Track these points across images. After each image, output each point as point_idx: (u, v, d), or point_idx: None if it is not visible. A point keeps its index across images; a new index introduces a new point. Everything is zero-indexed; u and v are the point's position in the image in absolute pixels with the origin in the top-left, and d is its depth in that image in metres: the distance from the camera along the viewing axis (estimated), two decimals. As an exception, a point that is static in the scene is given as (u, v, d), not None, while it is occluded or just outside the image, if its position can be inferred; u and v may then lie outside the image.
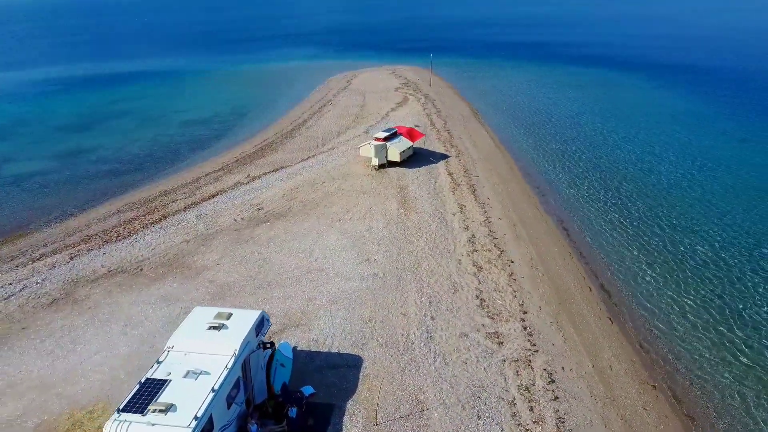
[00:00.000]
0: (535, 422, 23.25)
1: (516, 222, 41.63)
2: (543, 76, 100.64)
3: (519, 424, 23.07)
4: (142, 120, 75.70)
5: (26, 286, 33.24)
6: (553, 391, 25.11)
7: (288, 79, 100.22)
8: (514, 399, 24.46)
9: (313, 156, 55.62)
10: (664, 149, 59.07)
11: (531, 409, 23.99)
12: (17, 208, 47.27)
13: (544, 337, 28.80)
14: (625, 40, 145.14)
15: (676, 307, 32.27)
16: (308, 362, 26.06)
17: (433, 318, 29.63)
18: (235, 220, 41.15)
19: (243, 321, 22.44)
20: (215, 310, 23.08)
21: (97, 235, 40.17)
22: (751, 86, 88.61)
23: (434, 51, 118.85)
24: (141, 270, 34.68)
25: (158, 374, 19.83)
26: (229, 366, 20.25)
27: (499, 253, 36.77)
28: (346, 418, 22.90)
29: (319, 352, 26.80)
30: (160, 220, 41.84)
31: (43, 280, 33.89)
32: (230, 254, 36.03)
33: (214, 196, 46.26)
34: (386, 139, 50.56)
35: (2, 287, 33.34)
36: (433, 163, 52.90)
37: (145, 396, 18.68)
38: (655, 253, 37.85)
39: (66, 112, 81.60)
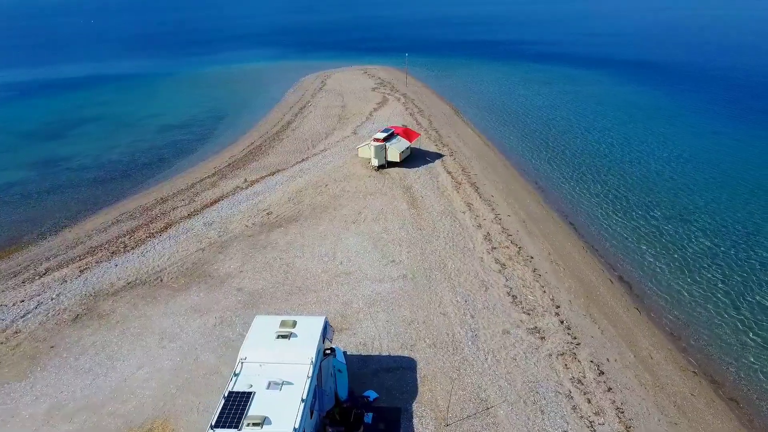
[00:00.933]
0: (596, 414, 23.77)
1: (524, 218, 42.35)
2: (509, 73, 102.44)
3: (581, 417, 23.54)
4: (116, 125, 73.20)
5: (41, 303, 31.78)
6: (604, 382, 25.70)
7: (258, 81, 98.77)
8: (570, 392, 24.93)
9: (307, 158, 55.05)
10: (643, 143, 61.23)
11: (588, 401, 24.50)
12: (2, 221, 44.97)
13: (582, 330, 29.44)
14: (576, 38, 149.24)
15: (690, 294, 33.56)
16: (362, 366, 25.90)
17: (472, 316, 29.88)
18: (246, 225, 40.38)
19: (310, 328, 22.14)
20: (278, 319, 22.69)
21: (102, 246, 38.70)
22: (705, 80, 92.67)
23: (398, 51, 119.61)
24: (161, 281, 33.64)
25: (240, 387, 19.38)
26: (310, 374, 19.96)
27: (517, 249, 37.32)
28: (415, 421, 22.90)
29: (370, 355, 26.65)
30: (166, 228, 40.64)
31: (57, 295, 32.48)
32: (251, 261, 35.35)
33: (216, 202, 45.25)
34: (385, 139, 50.49)
35: (14, 305, 31.77)
36: (429, 162, 53.20)
37: (235, 410, 18.24)
38: (658, 244, 39.33)
39: (30, 118, 78.08)
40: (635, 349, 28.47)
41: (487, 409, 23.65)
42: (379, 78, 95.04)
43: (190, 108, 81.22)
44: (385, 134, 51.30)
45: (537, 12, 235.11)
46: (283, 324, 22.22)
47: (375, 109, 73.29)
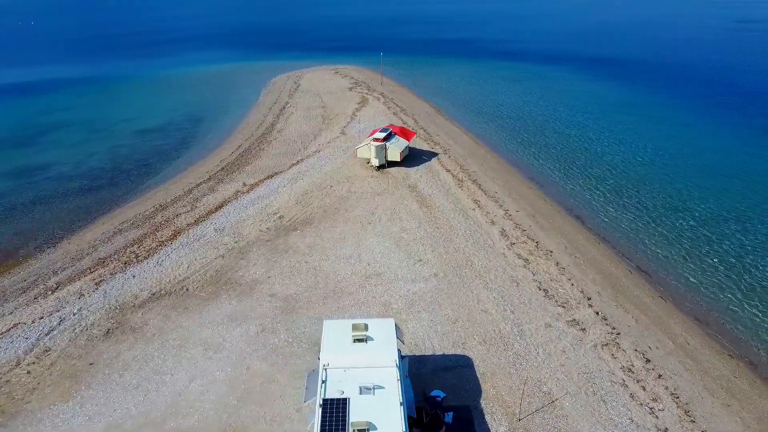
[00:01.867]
0: (653, 400, 24.54)
1: (533, 213, 43.15)
2: (477, 71, 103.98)
3: (641, 404, 24.27)
4: (90, 131, 70.50)
5: (63, 318, 30.43)
6: (653, 369, 26.55)
7: (228, 83, 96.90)
8: (624, 381, 25.65)
9: (302, 160, 54.48)
10: (622, 136, 63.52)
11: (643, 388, 25.27)
12: (-9, 235, 42.80)
13: (618, 320, 30.28)
14: (535, 36, 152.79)
15: (701, 280, 34.93)
16: (419, 366, 25.95)
17: (512, 312, 30.32)
18: (260, 230, 39.70)
19: (383, 330, 22.06)
20: (348, 323, 22.49)
21: (111, 257, 37.30)
22: (664, 76, 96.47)
23: (364, 50, 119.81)
24: (187, 290, 32.74)
25: (332, 394, 19.15)
26: (399, 377, 19.88)
27: (535, 244, 38.03)
28: (487, 418, 23.11)
29: (424, 355, 26.70)
30: (175, 236, 39.53)
31: (79, 310, 31.17)
32: (276, 266, 34.81)
33: (219, 207, 44.28)
34: (384, 139, 50.47)
35: (34, 322, 30.31)
36: (426, 161, 53.49)
37: (335, 417, 18.02)
38: (659, 233, 40.92)
39: (-8, 126, 74.18)
40: (671, 336, 29.44)
41: (552, 402, 24.05)
42: (353, 78, 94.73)
43: (164, 112, 78.94)
44: (384, 134, 51.26)
45: (495, 11, 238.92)
46: (355, 328, 22.00)
47: (357, 109, 73.03)
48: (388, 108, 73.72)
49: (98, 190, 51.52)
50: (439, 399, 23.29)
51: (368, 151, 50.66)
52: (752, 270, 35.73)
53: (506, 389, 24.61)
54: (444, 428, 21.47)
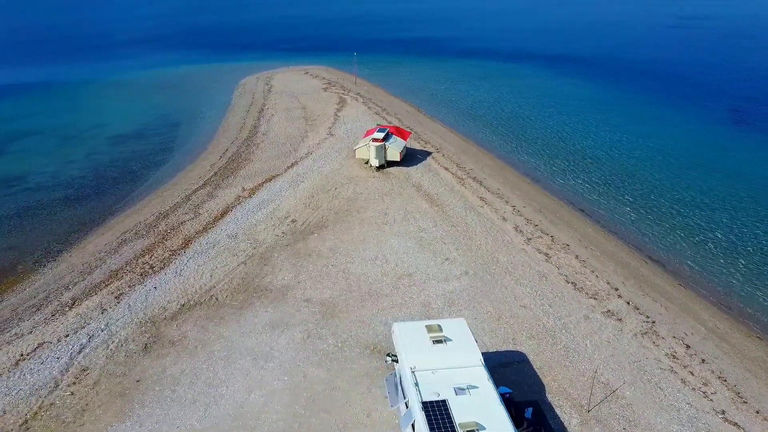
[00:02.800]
0: (704, 384, 25.56)
1: (539, 209, 44.08)
2: (448, 69, 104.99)
3: (694, 389, 25.23)
4: (61, 138, 67.53)
5: (92, 335, 29.21)
6: (695, 354, 27.63)
7: (196, 85, 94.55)
8: (672, 367, 26.59)
9: (296, 162, 53.86)
10: (599, 130, 65.64)
11: (691, 373, 26.26)
12: (-23, 251, 40.51)
13: (648, 308, 31.34)
14: (497, 34, 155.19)
15: (711, 265, 36.56)
16: (478, 364, 25.98)
17: (550, 306, 30.92)
18: (276, 235, 39.11)
19: (457, 331, 22.22)
20: (420, 324, 22.55)
21: (123, 269, 35.99)
22: (626, 72, 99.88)
23: (327, 50, 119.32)
24: (217, 299, 31.96)
25: (428, 396, 19.13)
26: (489, 376, 20.01)
27: (550, 239, 38.87)
28: (558, 411, 23.52)
29: (478, 353, 26.78)
30: (186, 244, 38.49)
31: (106, 325, 29.99)
32: (304, 271, 34.37)
33: (225, 213, 43.38)
34: (383, 139, 50.44)
35: (59, 340, 28.94)
36: (422, 160, 53.78)
37: (441, 419, 18.06)
38: (660, 222, 42.54)
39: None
40: (701, 321, 30.67)
41: (614, 391, 24.67)
42: (324, 78, 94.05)
43: (136, 116, 76.41)
44: (382, 134, 51.19)
45: (459, 8, 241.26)
46: (430, 329, 22.04)
47: (338, 110, 72.65)
48: (369, 108, 73.64)
49: (86, 199, 49.47)
50: (507, 395, 23.46)
51: (367, 151, 50.52)
52: (751, 253, 37.48)
53: (567, 382, 25.08)
54: (525, 423, 21.67)
